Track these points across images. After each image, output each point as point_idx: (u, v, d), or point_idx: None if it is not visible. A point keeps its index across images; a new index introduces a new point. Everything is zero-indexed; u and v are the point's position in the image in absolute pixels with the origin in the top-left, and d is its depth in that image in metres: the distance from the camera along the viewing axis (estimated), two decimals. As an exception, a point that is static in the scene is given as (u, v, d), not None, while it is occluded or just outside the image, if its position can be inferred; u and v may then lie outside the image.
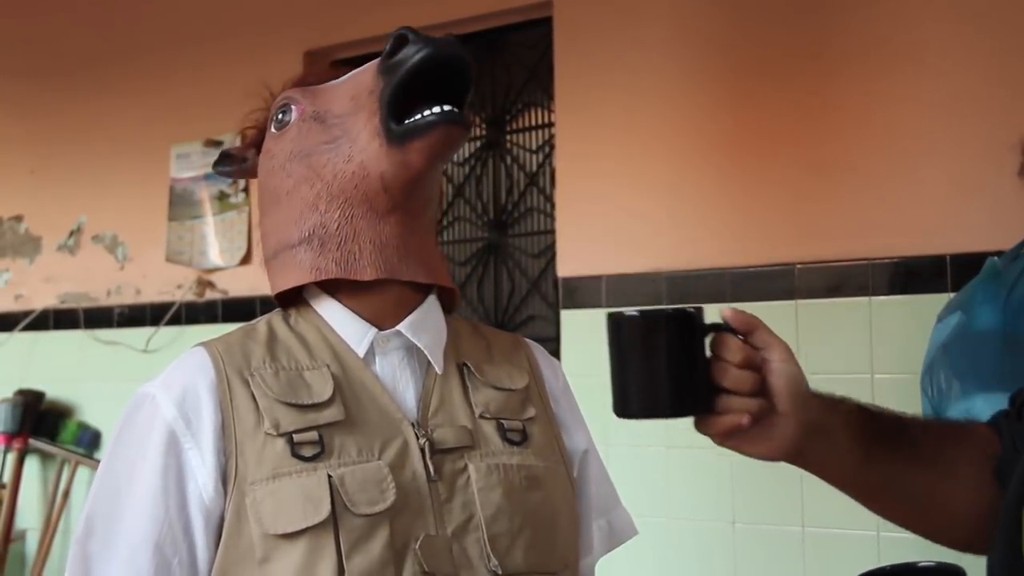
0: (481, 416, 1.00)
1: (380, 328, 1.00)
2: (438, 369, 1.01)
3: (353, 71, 1.02)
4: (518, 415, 1.02)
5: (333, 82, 1.03)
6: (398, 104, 0.94)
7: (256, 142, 1.10)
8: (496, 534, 0.94)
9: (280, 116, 1.03)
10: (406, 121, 0.93)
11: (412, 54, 0.92)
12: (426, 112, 0.92)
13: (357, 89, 0.97)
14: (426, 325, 1.02)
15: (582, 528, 1.09)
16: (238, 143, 3.22)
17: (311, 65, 1.13)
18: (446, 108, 0.93)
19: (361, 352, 0.99)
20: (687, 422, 0.86)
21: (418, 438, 0.95)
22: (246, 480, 0.90)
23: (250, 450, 0.91)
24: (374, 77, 0.96)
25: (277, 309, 1.05)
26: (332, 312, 1.01)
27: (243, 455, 0.91)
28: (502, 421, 1.01)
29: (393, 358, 1.00)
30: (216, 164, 1.13)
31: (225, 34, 3.24)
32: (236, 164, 1.12)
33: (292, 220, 0.99)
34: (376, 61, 0.97)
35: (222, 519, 0.91)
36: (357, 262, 0.97)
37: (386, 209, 0.96)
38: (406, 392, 0.99)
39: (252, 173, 1.11)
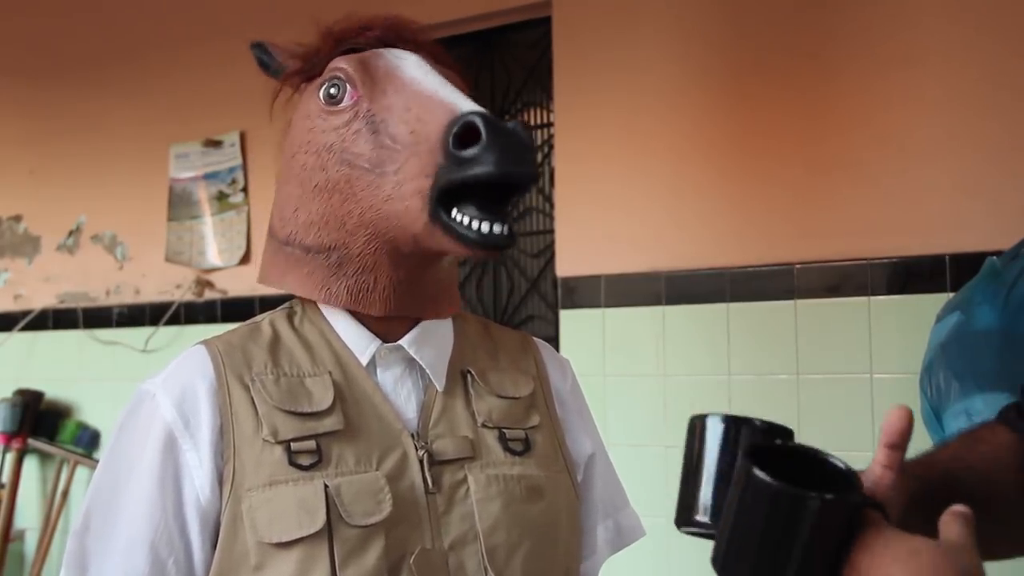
0: (483, 425, 0.99)
1: (384, 340, 0.99)
2: (439, 387, 1.00)
3: (417, 80, 0.93)
4: (521, 423, 1.01)
5: (394, 84, 0.94)
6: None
7: (299, 68, 1.02)
8: (494, 546, 0.92)
9: (332, 91, 0.96)
10: (454, 215, 0.88)
11: (482, 164, 0.84)
12: (475, 224, 0.87)
13: (419, 125, 0.90)
14: (429, 339, 1.01)
15: (586, 530, 1.09)
16: (238, 142, 3.29)
17: (346, 20, 1.02)
18: (495, 230, 0.87)
19: (364, 361, 0.98)
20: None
21: (417, 449, 0.94)
22: (243, 486, 0.89)
23: (248, 455, 0.90)
24: (440, 131, 0.87)
25: (281, 307, 1.04)
26: (338, 319, 1.00)
27: (240, 460, 0.90)
28: (504, 430, 0.99)
29: (395, 370, 0.99)
30: (255, 47, 1.05)
31: (225, 34, 3.23)
32: (271, 63, 1.04)
33: (313, 221, 0.97)
34: (450, 103, 0.89)
35: (218, 522, 0.90)
36: (369, 295, 0.96)
37: (410, 251, 0.94)
38: (407, 402, 0.98)
39: (275, 76, 1.04)
